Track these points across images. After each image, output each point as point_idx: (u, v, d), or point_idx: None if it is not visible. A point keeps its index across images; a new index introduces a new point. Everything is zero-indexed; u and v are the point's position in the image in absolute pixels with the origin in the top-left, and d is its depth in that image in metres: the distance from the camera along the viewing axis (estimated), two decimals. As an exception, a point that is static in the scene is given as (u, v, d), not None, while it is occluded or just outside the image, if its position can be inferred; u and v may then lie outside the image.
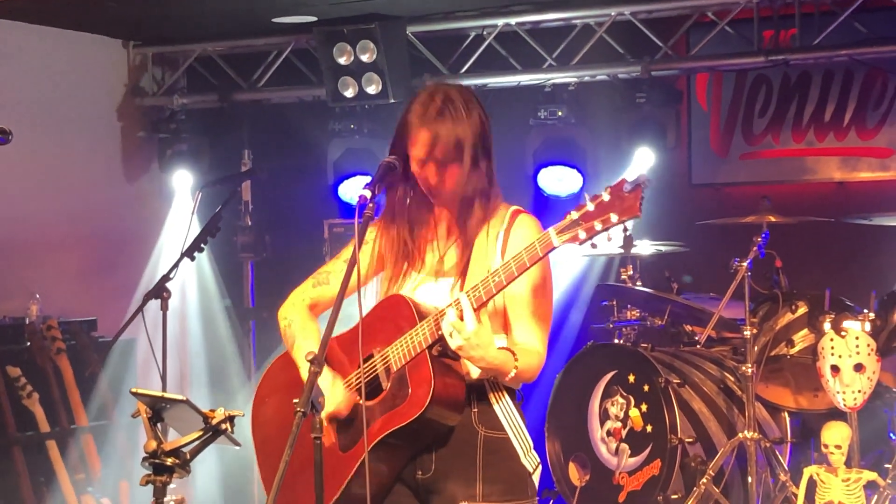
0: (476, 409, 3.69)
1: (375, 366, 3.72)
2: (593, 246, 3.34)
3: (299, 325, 3.92)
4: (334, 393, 3.75)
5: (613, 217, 3.27)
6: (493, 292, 3.48)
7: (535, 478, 3.75)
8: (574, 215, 3.32)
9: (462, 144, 3.67)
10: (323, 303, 3.97)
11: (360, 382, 3.71)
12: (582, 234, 3.30)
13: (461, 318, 3.46)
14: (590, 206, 3.30)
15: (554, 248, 3.37)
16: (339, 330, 3.72)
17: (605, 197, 3.29)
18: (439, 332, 3.51)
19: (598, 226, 3.28)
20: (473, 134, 3.69)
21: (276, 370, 4.09)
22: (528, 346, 3.65)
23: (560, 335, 7.96)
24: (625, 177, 3.33)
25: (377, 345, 3.69)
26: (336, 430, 3.81)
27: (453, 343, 3.46)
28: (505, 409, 3.71)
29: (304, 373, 3.74)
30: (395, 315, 3.66)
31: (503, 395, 3.72)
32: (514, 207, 3.78)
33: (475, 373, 3.65)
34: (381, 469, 3.66)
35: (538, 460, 3.76)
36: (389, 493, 3.74)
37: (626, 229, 3.41)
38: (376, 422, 3.65)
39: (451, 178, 3.70)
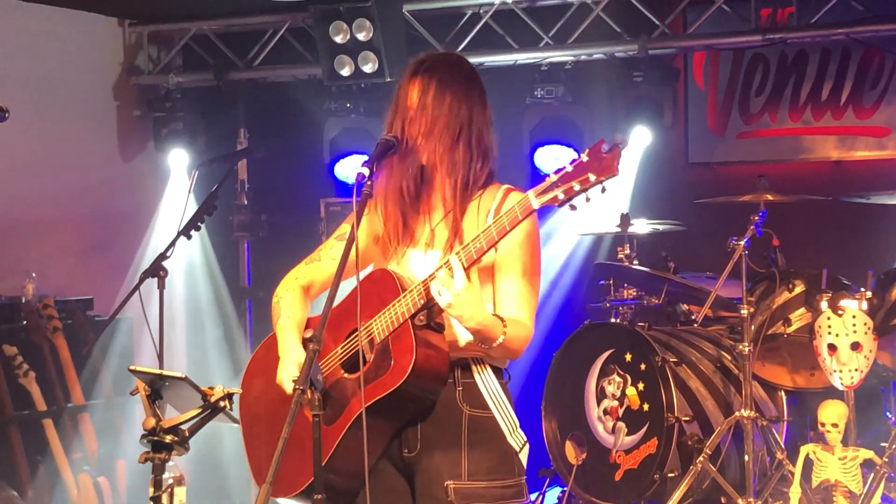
0: (460, 388, 3.68)
1: (360, 339, 3.71)
2: (572, 208, 3.35)
3: (286, 301, 3.91)
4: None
5: (591, 177, 3.29)
6: (474, 257, 3.48)
7: (523, 456, 3.75)
8: (553, 178, 3.34)
9: (449, 98, 3.69)
10: (317, 281, 3.96)
11: (346, 355, 3.72)
12: (560, 196, 3.32)
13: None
14: (568, 168, 3.32)
15: (533, 209, 3.38)
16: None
17: (584, 158, 3.32)
18: (428, 296, 3.51)
19: (576, 186, 3.30)
20: (461, 91, 3.71)
21: (262, 352, 4.09)
22: (518, 319, 3.64)
23: (557, 314, 7.96)
24: (602, 138, 3.34)
25: (363, 319, 3.66)
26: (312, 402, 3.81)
27: (443, 301, 3.45)
28: (490, 388, 3.71)
29: (280, 347, 3.81)
30: (379, 289, 3.65)
31: (488, 374, 3.71)
32: (507, 186, 3.77)
33: (463, 338, 3.64)
34: (363, 441, 3.59)
35: (524, 439, 3.76)
36: (375, 469, 3.70)
37: (603, 189, 3.37)
38: (360, 394, 3.63)
39: (441, 134, 3.68)
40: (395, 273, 3.66)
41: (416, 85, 3.73)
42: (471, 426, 3.67)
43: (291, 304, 3.90)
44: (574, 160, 3.33)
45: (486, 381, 3.71)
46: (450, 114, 3.68)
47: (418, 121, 3.70)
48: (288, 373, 3.72)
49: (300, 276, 3.98)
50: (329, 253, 3.95)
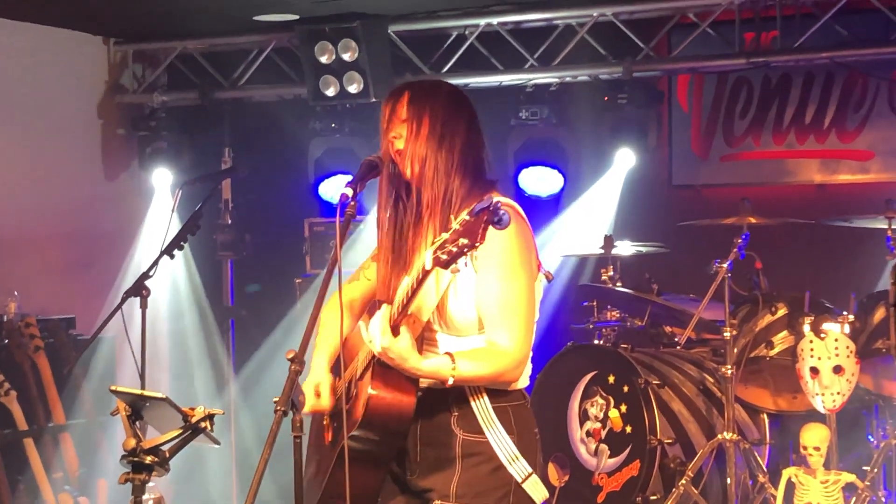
0: (456, 413, 3.67)
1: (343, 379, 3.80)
2: (454, 270, 3.27)
3: (323, 319, 3.93)
4: (320, 390, 3.81)
5: (462, 241, 3.21)
6: (399, 313, 3.48)
7: (530, 487, 3.67)
8: (444, 235, 3.26)
9: (427, 114, 3.70)
10: (357, 299, 4.03)
11: (343, 385, 3.76)
12: (443, 257, 3.25)
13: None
14: (455, 225, 3.25)
15: (427, 270, 3.32)
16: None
17: (465, 217, 3.23)
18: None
19: (453, 249, 3.23)
20: (420, 104, 3.72)
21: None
22: (488, 349, 3.60)
23: (540, 335, 7.91)
24: (481, 201, 3.22)
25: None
26: (333, 431, 3.86)
27: (374, 349, 3.49)
28: (483, 413, 3.66)
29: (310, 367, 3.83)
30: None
31: (483, 400, 3.67)
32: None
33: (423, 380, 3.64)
34: (359, 469, 3.60)
35: (529, 470, 3.67)
36: (384, 492, 3.75)
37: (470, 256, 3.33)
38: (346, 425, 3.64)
39: (422, 154, 3.69)
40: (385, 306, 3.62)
41: (402, 106, 3.74)
42: (465, 450, 3.66)
43: (325, 322, 3.94)
44: (461, 220, 3.24)
45: (481, 407, 3.67)
46: (419, 106, 3.71)
47: (391, 116, 3.73)
48: (307, 395, 3.78)
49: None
50: (366, 273, 4.03)
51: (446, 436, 3.67)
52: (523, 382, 3.74)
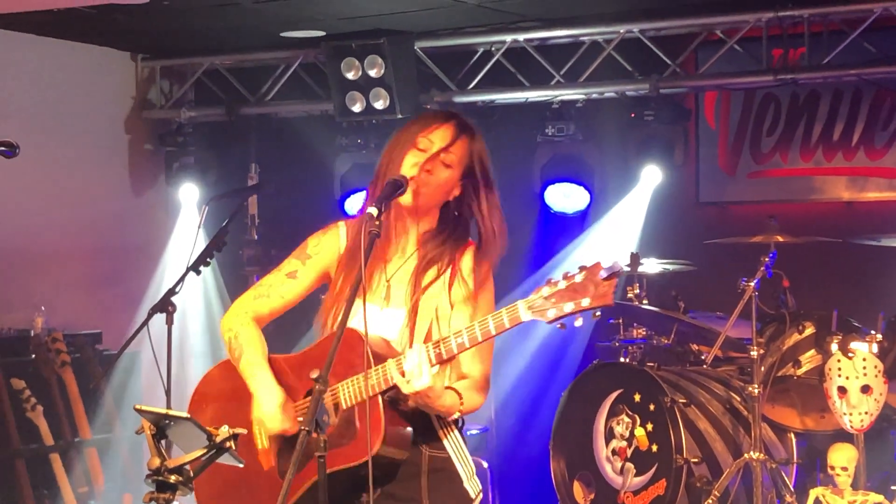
0: (419, 429, 3.67)
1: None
2: (562, 326, 3.30)
3: (245, 336, 3.86)
4: (286, 411, 3.72)
5: (585, 302, 3.23)
6: (455, 353, 3.48)
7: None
8: (545, 292, 3.29)
9: (475, 159, 3.71)
10: (264, 316, 3.92)
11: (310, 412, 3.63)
12: (551, 314, 3.27)
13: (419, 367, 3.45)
14: (562, 285, 3.27)
15: (521, 321, 3.35)
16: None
17: (578, 279, 3.25)
18: (393, 380, 3.50)
19: (567, 307, 3.25)
20: (480, 155, 3.74)
21: (214, 377, 4.03)
22: (471, 384, 3.66)
23: (566, 353, 7.94)
24: (601, 261, 3.27)
25: (330, 378, 3.54)
26: (276, 454, 3.79)
27: (406, 389, 3.46)
28: (449, 433, 3.73)
29: (253, 384, 3.76)
30: (348, 350, 3.56)
31: (447, 423, 3.72)
32: (472, 244, 3.76)
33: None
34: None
35: (480, 487, 3.77)
36: None
37: (595, 315, 3.34)
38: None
39: (438, 184, 3.69)
40: (366, 339, 3.54)
41: (430, 116, 3.79)
42: (431, 466, 3.68)
43: (252, 340, 3.86)
44: (568, 276, 3.27)
45: (442, 425, 3.72)
46: (466, 144, 3.72)
47: (439, 139, 3.70)
48: (272, 414, 3.70)
49: (249, 311, 3.93)
50: (278, 290, 3.91)
51: (412, 452, 3.66)
52: None
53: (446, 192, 3.73)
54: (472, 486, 3.74)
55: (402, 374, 3.47)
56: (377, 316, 3.70)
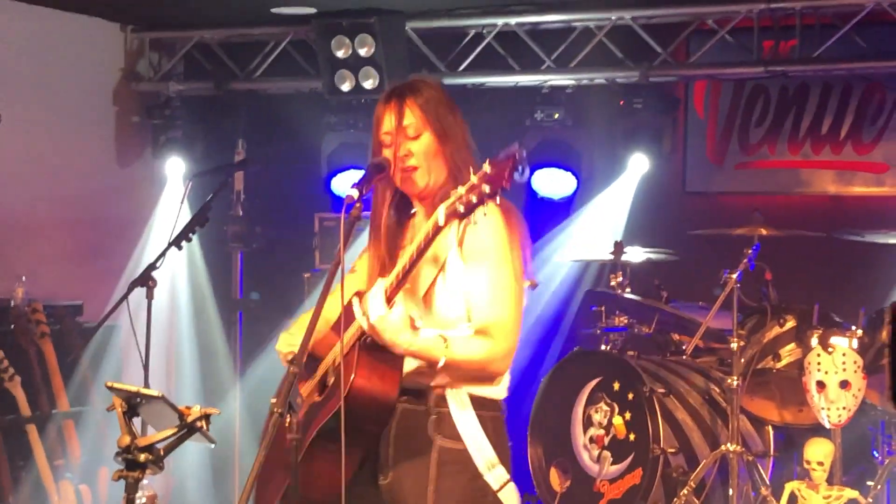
0: (434, 416, 3.63)
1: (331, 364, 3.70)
2: (473, 223, 3.27)
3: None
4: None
5: (485, 188, 3.18)
6: (400, 276, 3.44)
7: (505, 496, 3.63)
8: (460, 190, 3.25)
9: (431, 111, 3.68)
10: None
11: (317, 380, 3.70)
12: (460, 209, 3.24)
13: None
14: (473, 179, 3.23)
15: (440, 226, 3.31)
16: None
17: (487, 168, 3.20)
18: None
19: (473, 198, 3.21)
20: (433, 105, 3.70)
21: None
22: (475, 337, 3.57)
23: (547, 339, 7.93)
24: (505, 149, 3.21)
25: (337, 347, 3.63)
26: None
27: (364, 325, 3.44)
28: (465, 419, 3.62)
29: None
30: (349, 317, 3.58)
31: (465, 405, 3.63)
32: None
33: (409, 364, 3.57)
34: (326, 467, 3.53)
35: (507, 477, 3.65)
36: (355, 494, 3.60)
37: (496, 203, 3.27)
38: (317, 417, 3.57)
39: (422, 155, 3.67)
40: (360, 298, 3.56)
41: (385, 94, 3.75)
42: (441, 457, 3.61)
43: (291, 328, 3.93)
44: (479, 171, 3.23)
45: (462, 412, 3.63)
46: (417, 108, 3.69)
47: (389, 118, 3.70)
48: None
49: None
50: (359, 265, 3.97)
51: (422, 440, 3.63)
52: (502, 393, 3.72)
53: (435, 154, 3.70)
54: (495, 476, 3.62)
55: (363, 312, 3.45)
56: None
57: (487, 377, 3.65)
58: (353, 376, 3.48)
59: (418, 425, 3.63)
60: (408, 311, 3.49)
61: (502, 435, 3.70)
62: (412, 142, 3.70)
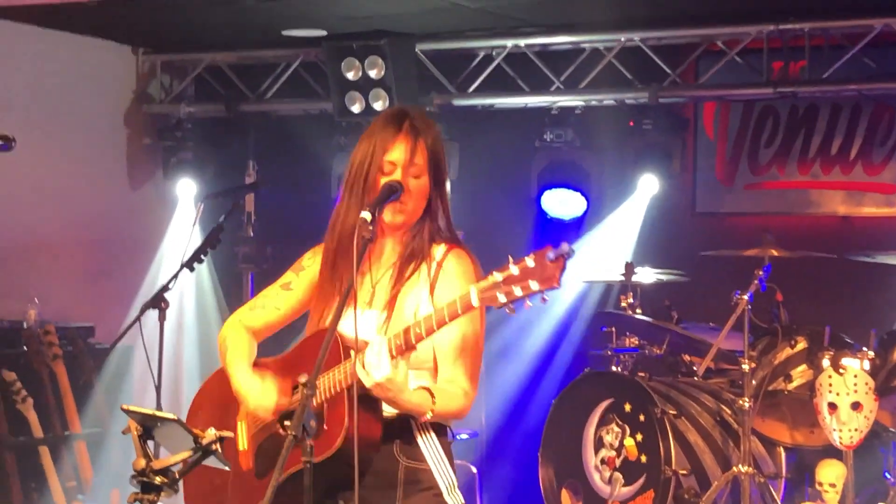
0: (398, 440, 3.64)
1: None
2: (510, 311, 3.27)
3: (232, 340, 3.88)
4: (271, 392, 3.70)
5: (533, 285, 3.20)
6: (413, 343, 3.44)
7: None
8: (497, 277, 3.26)
9: (435, 156, 3.69)
10: (258, 327, 3.94)
11: (292, 407, 3.64)
12: (501, 298, 3.25)
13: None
14: (513, 270, 3.24)
15: (473, 307, 3.33)
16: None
17: (530, 263, 3.22)
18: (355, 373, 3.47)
19: (517, 291, 3.22)
20: (438, 150, 3.72)
21: (209, 385, 4.06)
22: (450, 387, 3.62)
23: (558, 360, 7.93)
24: (550, 244, 3.24)
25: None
26: (255, 456, 3.79)
27: (366, 382, 3.43)
28: (429, 444, 3.67)
29: (235, 379, 3.75)
30: (328, 354, 3.52)
31: (429, 432, 3.68)
32: (454, 244, 3.74)
33: (391, 409, 3.60)
34: (293, 501, 3.49)
35: (462, 500, 3.72)
36: None
37: (543, 299, 3.31)
38: (292, 454, 3.47)
39: (418, 194, 3.68)
40: (340, 335, 3.56)
41: (393, 122, 3.71)
42: (407, 478, 3.64)
43: (236, 342, 3.87)
44: (519, 261, 3.24)
45: (426, 437, 3.68)
46: (428, 147, 3.68)
47: (400, 152, 3.67)
48: (258, 395, 3.69)
49: (242, 320, 3.97)
50: (273, 301, 3.95)
51: (388, 464, 3.64)
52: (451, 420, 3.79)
53: (425, 196, 3.72)
54: (454, 498, 3.70)
55: (364, 367, 3.45)
56: (358, 318, 3.65)
57: (451, 421, 3.75)
58: (344, 426, 3.48)
59: (384, 450, 3.63)
60: (406, 368, 3.52)
61: (453, 460, 3.77)
62: (412, 180, 3.70)
